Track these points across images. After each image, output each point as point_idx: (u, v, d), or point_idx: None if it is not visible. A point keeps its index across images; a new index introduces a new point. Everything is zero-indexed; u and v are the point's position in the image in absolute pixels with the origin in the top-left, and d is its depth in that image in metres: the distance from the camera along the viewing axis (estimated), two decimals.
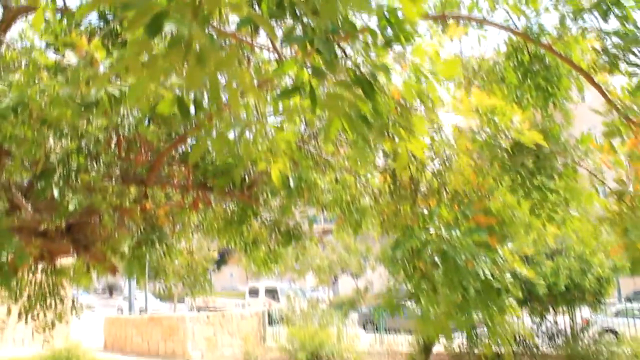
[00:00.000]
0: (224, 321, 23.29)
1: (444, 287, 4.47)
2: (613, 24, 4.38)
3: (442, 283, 4.47)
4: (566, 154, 5.10)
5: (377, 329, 22.33)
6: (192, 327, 22.39)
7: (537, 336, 17.18)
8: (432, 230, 4.43)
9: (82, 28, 5.75)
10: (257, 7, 2.61)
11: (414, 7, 2.42)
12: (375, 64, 2.43)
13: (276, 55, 3.81)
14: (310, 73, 2.40)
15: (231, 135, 3.86)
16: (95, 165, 5.92)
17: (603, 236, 7.35)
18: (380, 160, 6.49)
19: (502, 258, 4.61)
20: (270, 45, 4.24)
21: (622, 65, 4.19)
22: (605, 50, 4.22)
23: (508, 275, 4.53)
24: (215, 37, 2.03)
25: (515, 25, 5.51)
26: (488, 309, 4.31)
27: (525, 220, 6.12)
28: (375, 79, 2.38)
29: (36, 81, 4.29)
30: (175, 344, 22.37)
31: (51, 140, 5.00)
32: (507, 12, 5.61)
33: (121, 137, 6.23)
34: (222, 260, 57.57)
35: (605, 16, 4.28)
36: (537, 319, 17.09)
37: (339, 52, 2.51)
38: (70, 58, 4.17)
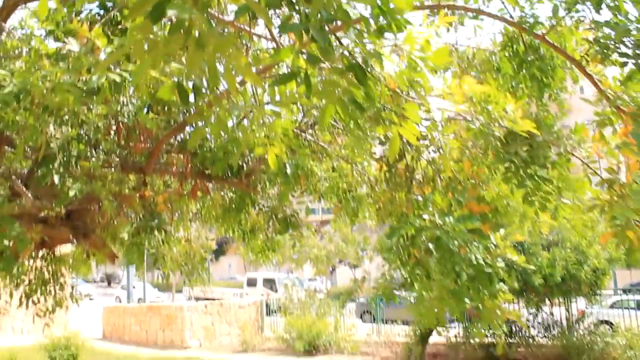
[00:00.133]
0: (222, 311, 23.43)
1: (437, 273, 4.55)
2: (605, 15, 4.45)
3: (435, 269, 4.56)
4: (559, 144, 5.17)
5: (374, 319, 22.48)
6: (190, 316, 22.53)
7: (533, 327, 17.32)
8: (426, 217, 4.50)
9: (82, 16, 5.81)
10: None
11: None
12: (368, 50, 2.51)
13: (274, 43, 3.88)
14: (305, 59, 2.47)
15: (230, 123, 3.93)
16: (95, 152, 6.00)
17: (597, 227, 7.46)
18: (376, 149, 6.57)
19: (494, 244, 4.69)
20: (269, 34, 4.31)
21: (614, 56, 4.26)
22: (597, 41, 4.28)
23: (500, 261, 4.61)
24: (214, 23, 2.11)
25: (511, 16, 5.58)
26: (480, 294, 4.40)
27: (519, 208, 6.21)
28: (367, 65, 2.46)
29: (38, 68, 4.35)
30: (174, 333, 22.51)
31: (52, 127, 5.07)
32: (503, 2, 5.68)
33: (120, 124, 6.31)
34: (220, 250, 57.80)
35: (597, 7, 4.35)
36: (533, 310, 17.23)
37: (334, 41, 2.58)
38: (72, 45, 4.23)
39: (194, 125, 6.00)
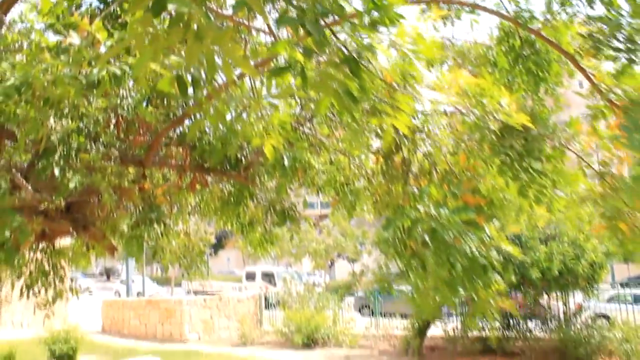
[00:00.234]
0: (221, 304, 23.50)
1: (432, 264, 4.61)
2: (599, 9, 4.52)
3: (431, 260, 4.62)
4: (554, 137, 5.23)
5: (372, 313, 22.56)
6: (189, 310, 22.61)
7: (530, 320, 17.41)
8: (421, 209, 4.55)
9: (82, 10, 5.85)
10: None
11: None
12: (362, 43, 2.57)
13: (271, 37, 3.94)
14: (301, 52, 2.54)
15: (228, 116, 4.00)
16: (94, 145, 6.05)
17: (593, 220, 7.52)
18: (373, 143, 6.62)
19: (488, 236, 4.75)
20: (266, 28, 4.36)
21: (607, 50, 4.32)
22: (590, 35, 4.34)
23: (494, 252, 4.67)
24: (212, 17, 2.17)
25: (507, 10, 5.64)
26: (474, 284, 4.46)
27: (514, 201, 6.27)
28: (361, 58, 2.52)
29: (39, 61, 4.40)
30: (173, 327, 22.60)
31: (52, 120, 5.13)
32: None
33: (120, 117, 6.36)
34: (219, 244, 57.86)
35: (591, 2, 4.42)
36: (531, 303, 17.30)
37: (329, 34, 2.64)
38: (73, 39, 4.29)
39: (192, 118, 6.06)
